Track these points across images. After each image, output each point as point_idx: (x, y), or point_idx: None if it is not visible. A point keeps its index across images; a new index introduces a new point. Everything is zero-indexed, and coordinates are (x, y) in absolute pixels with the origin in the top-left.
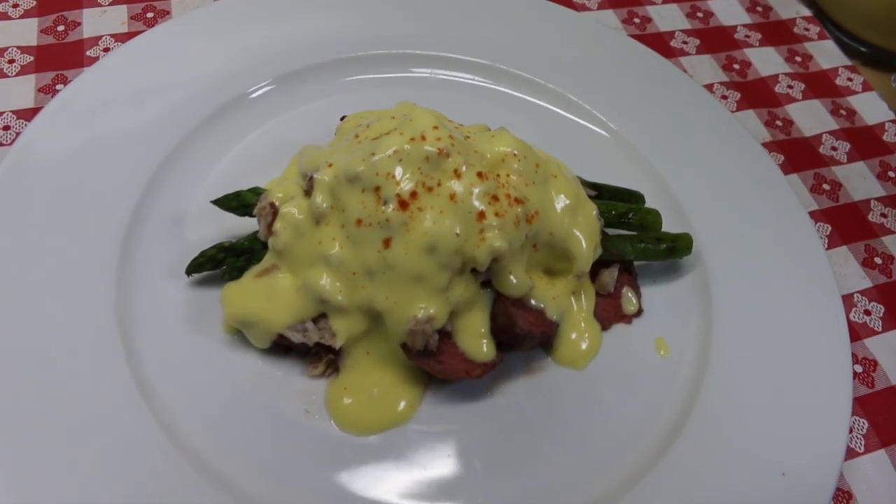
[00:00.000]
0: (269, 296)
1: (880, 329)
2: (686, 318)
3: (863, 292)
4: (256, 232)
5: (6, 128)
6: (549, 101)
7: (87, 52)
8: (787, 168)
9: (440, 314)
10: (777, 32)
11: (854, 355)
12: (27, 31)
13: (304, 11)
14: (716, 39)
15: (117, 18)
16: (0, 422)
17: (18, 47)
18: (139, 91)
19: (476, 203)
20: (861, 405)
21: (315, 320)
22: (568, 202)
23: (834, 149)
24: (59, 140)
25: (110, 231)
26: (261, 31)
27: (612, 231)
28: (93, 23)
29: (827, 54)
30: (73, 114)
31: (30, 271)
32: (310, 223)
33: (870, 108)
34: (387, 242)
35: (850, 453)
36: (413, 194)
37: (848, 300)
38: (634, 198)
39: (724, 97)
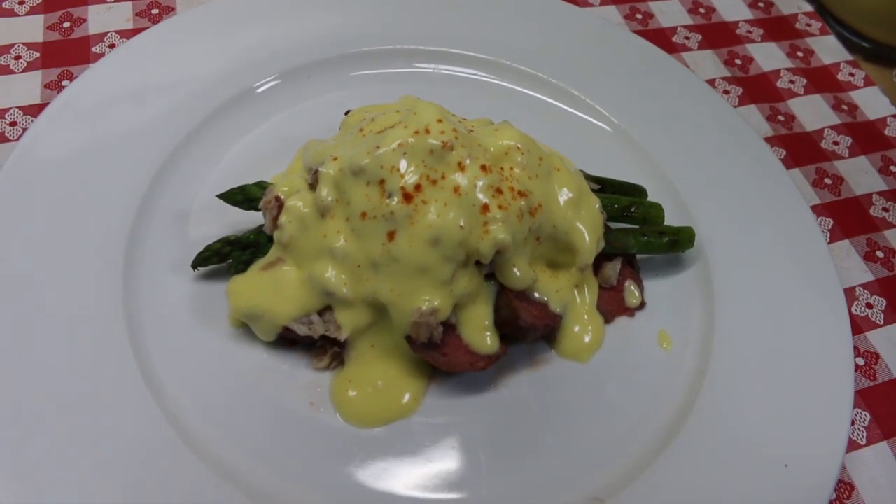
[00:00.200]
0: (275, 289)
1: (882, 322)
2: (688, 311)
3: (865, 286)
4: (262, 226)
5: (13, 124)
6: (552, 96)
7: (93, 49)
8: (789, 162)
9: (444, 306)
10: (779, 28)
11: (856, 348)
12: (33, 28)
13: (309, 8)
14: (718, 35)
15: (122, 15)
16: (8, 418)
17: (25, 44)
18: (144, 87)
19: (480, 196)
20: (863, 398)
21: (320, 313)
22: (571, 195)
23: (836, 143)
24: (65, 136)
25: (116, 226)
26: (265, 27)
27: (614, 224)
28: (98, 19)
29: (828, 49)
30: (79, 110)
31: (36, 266)
32: (315, 216)
33: (871, 102)
34: (391, 235)
35: (853, 445)
36: (417, 187)
37: (850, 294)
38: (637, 192)
39: (727, 92)
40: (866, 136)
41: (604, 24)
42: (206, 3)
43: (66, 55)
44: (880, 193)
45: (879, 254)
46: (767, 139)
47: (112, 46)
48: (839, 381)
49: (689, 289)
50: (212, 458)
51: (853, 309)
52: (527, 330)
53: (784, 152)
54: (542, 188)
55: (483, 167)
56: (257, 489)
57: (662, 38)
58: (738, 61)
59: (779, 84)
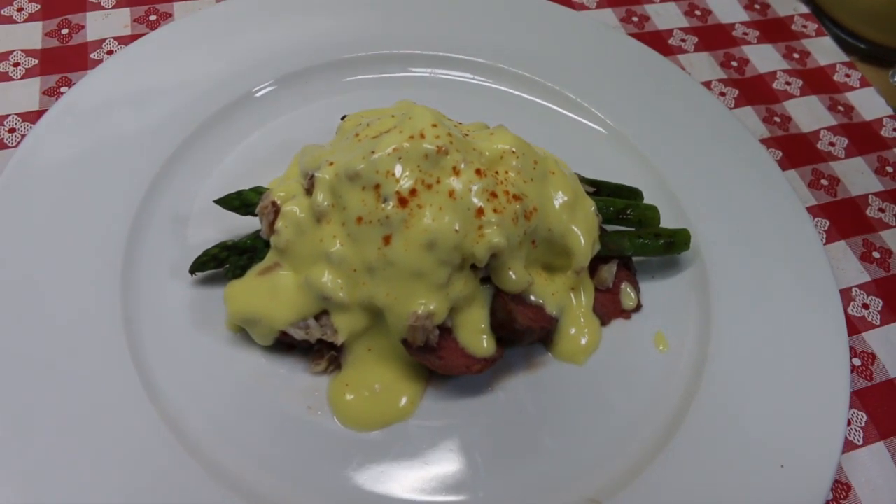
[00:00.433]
0: (272, 293)
1: (878, 323)
2: (685, 313)
3: (861, 286)
4: (259, 231)
5: (11, 130)
6: (547, 99)
7: (91, 55)
8: (786, 164)
9: (440, 310)
10: (775, 30)
11: (852, 349)
12: (32, 35)
13: (305, 13)
14: (714, 37)
15: (120, 21)
16: (6, 422)
17: (23, 50)
18: (142, 93)
19: (475, 200)
20: (860, 398)
21: (317, 317)
22: (566, 198)
23: (832, 144)
24: (63, 142)
25: (114, 231)
26: (262, 33)
27: (610, 227)
28: (96, 26)
29: (825, 51)
30: (77, 116)
31: (35, 271)
32: (311, 221)
33: (868, 103)
34: (387, 239)
35: (849, 446)
36: (412, 192)
37: (846, 294)
38: (633, 194)
39: (723, 94)
40: (862, 137)
41: (599, 27)
42: (204, 9)
43: (64, 62)
44: (876, 194)
45: (876, 254)
46: (764, 141)
47: (110, 53)
48: (835, 381)
49: (686, 291)
50: (209, 461)
51: (850, 309)
52: (523, 333)
53: (780, 153)
54: (537, 192)
55: (478, 171)
56: (255, 493)
57: (659, 41)
58: (734, 63)
59: (775, 86)
